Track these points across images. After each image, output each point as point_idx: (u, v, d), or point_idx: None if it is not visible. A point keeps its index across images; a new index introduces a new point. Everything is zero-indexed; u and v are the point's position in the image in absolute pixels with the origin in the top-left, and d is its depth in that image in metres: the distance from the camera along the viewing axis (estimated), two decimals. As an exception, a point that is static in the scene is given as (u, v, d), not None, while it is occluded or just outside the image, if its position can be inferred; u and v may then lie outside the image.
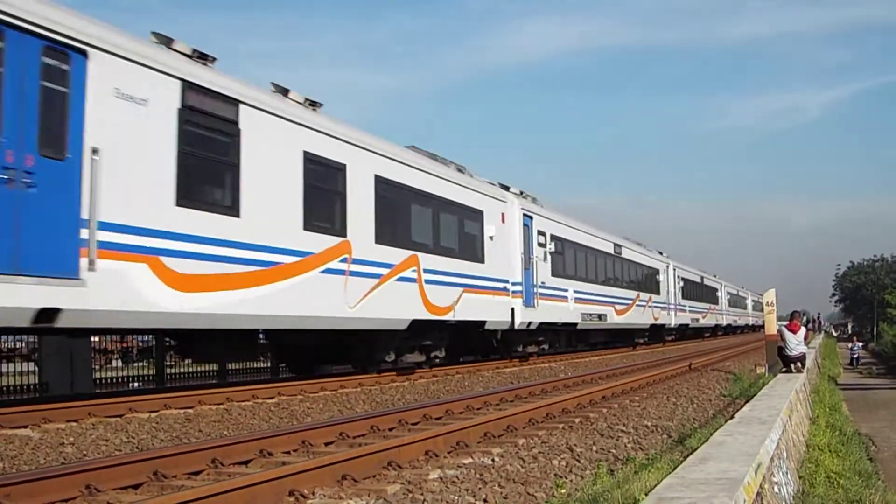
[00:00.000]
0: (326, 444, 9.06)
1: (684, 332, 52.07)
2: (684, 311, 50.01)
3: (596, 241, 33.48)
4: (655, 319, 42.14)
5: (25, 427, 10.22)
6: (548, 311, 26.20)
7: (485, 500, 6.54)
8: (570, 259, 29.58)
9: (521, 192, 26.09)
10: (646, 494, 5.14)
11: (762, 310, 22.29)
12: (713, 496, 4.56)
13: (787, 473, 7.56)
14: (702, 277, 58.59)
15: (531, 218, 25.51)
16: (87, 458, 8.55)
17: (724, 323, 69.01)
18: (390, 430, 10.19)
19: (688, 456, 6.65)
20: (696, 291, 55.07)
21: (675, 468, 5.92)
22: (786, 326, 18.92)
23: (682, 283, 49.85)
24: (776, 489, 6.53)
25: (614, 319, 34.53)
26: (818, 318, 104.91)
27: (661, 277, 44.64)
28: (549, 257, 26.72)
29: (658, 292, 43.43)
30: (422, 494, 6.68)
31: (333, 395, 14.95)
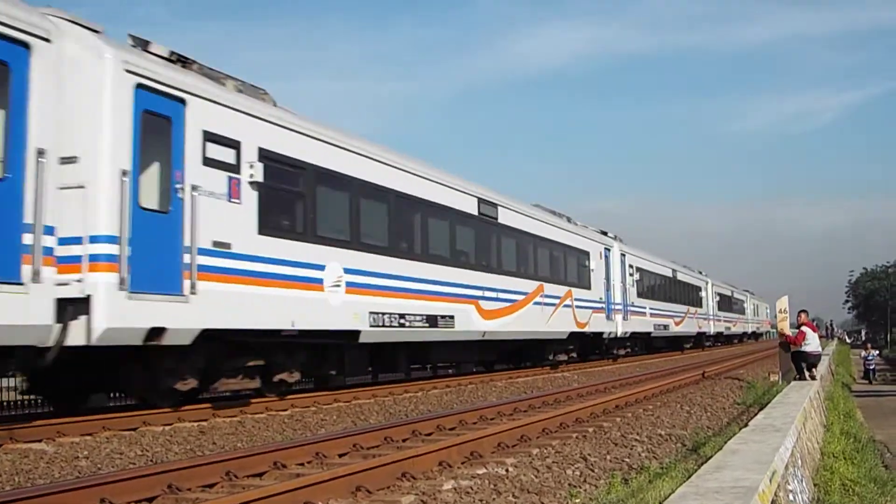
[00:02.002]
0: (340, 456, 9.07)
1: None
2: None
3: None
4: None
5: (40, 441, 10.26)
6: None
7: (499, 511, 6.53)
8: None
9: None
10: (660, 503, 5.13)
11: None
12: (728, 504, 4.55)
13: (801, 481, 7.53)
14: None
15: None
16: (102, 471, 8.57)
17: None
18: (404, 441, 10.20)
19: (702, 464, 6.64)
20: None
21: (689, 477, 5.91)
22: (806, 325, 19.04)
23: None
24: (791, 497, 6.51)
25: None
26: (831, 324, 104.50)
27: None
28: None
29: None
30: (436, 505, 6.69)
31: (347, 407, 14.96)
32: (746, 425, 9.36)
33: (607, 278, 31.91)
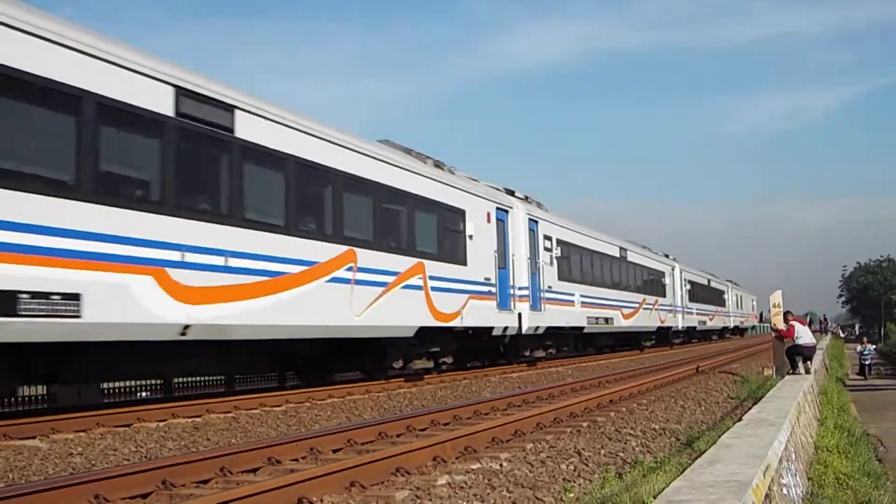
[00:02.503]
0: (335, 451, 9.07)
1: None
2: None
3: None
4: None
5: (34, 438, 10.23)
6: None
7: (493, 506, 6.53)
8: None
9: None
10: (654, 497, 5.14)
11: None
12: (722, 498, 4.55)
13: (795, 475, 7.54)
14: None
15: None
16: (96, 467, 8.56)
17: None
18: (398, 436, 10.20)
19: (696, 458, 6.64)
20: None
21: (683, 471, 5.92)
22: (795, 321, 19.40)
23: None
24: (785, 491, 6.52)
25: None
26: (824, 319, 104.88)
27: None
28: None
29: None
30: (430, 501, 6.69)
31: (341, 402, 14.96)
32: (740, 419, 9.37)
33: (502, 251, 22.83)
